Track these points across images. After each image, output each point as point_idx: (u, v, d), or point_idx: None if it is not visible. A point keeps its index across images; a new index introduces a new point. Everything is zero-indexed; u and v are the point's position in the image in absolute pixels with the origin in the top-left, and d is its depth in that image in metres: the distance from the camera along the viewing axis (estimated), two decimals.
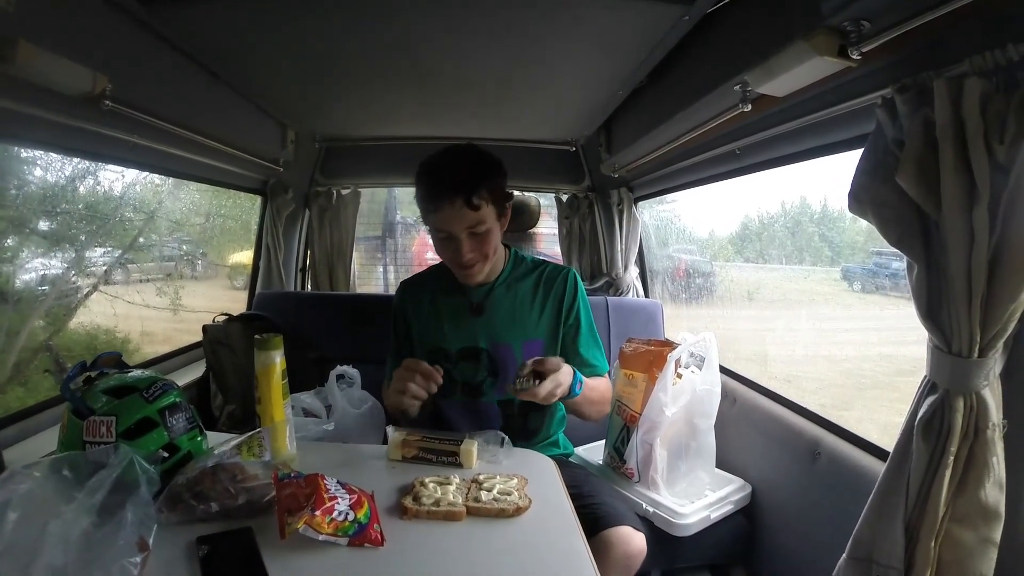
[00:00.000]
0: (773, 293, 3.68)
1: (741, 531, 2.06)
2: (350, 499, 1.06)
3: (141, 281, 4.75)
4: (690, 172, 2.39)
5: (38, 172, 3.48)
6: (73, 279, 4.04)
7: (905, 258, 1.14)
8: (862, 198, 1.17)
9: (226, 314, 2.63)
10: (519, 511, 1.16)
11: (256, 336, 1.34)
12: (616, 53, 1.72)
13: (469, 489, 1.23)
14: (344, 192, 3.31)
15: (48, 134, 1.63)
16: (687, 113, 1.79)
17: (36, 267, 3.72)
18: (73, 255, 3.99)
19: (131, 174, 4.17)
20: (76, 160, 3.63)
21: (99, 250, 4.27)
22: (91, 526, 0.93)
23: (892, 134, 1.11)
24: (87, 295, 4.10)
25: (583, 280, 1.87)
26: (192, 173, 2.56)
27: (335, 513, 1.01)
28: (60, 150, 1.82)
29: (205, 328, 2.51)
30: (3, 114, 1.40)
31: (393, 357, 1.84)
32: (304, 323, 2.70)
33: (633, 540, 1.52)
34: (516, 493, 1.20)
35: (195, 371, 2.55)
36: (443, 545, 1.07)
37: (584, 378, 1.62)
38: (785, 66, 1.25)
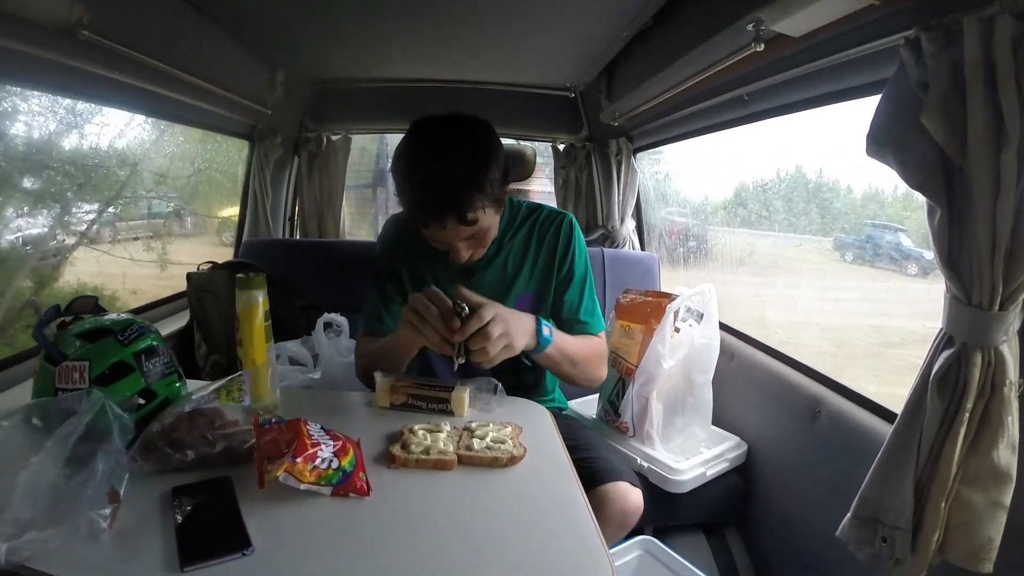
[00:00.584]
0: (764, 259, 3.66)
1: (736, 490, 2.05)
2: (334, 446, 0.99)
3: (131, 240, 4.66)
4: (694, 120, 2.31)
5: (21, 127, 3.38)
6: (59, 236, 3.96)
7: (927, 203, 1.08)
8: (882, 140, 1.12)
9: (211, 262, 2.56)
10: (513, 460, 1.10)
11: (238, 275, 1.27)
12: None
13: (460, 437, 1.16)
14: (334, 138, 3.23)
15: (21, 67, 1.54)
16: (695, 55, 1.70)
17: (20, 226, 3.63)
18: (58, 211, 3.90)
19: (115, 127, 4.07)
20: (60, 113, 3.56)
21: (85, 207, 4.16)
22: (62, 477, 0.89)
23: (916, 75, 1.05)
24: (71, 250, 4.02)
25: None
26: (176, 114, 2.47)
27: (318, 460, 0.94)
28: (34, 85, 1.74)
29: (189, 276, 2.45)
30: None
31: (378, 296, 1.69)
32: (292, 271, 2.64)
33: (630, 496, 1.47)
34: (510, 442, 1.14)
35: (180, 321, 2.49)
36: (433, 495, 1.01)
37: (557, 332, 1.45)
38: (804, 2, 1.18)
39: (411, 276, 1.67)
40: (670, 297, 1.95)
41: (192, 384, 1.26)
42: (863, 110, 1.60)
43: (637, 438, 1.96)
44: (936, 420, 1.07)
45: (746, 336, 2.27)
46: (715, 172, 3.59)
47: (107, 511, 0.85)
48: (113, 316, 1.23)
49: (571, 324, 1.64)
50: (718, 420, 2.10)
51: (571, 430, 1.58)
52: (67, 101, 3.46)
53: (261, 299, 1.25)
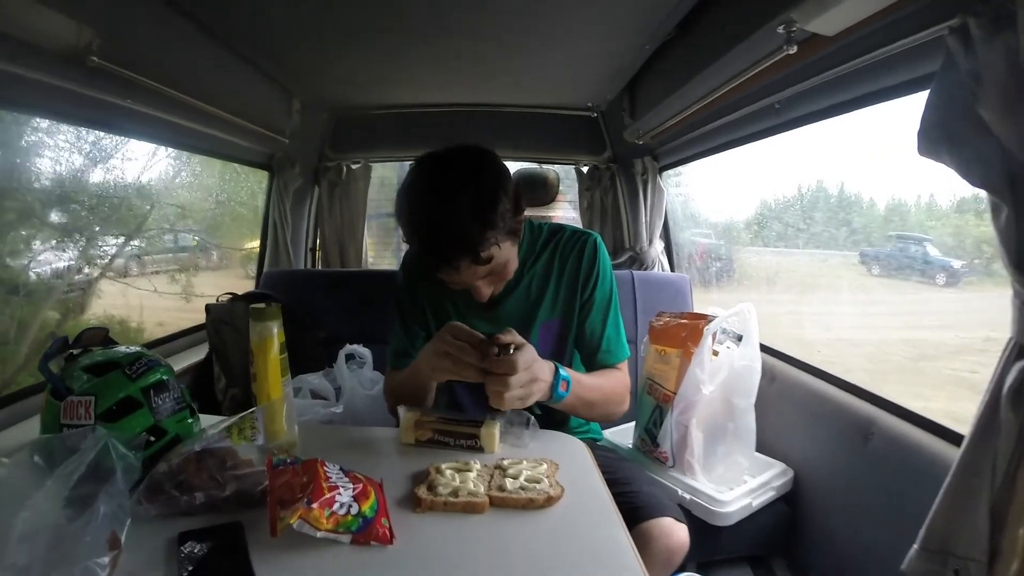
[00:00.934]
0: (790, 277, 3.59)
1: (782, 519, 1.94)
2: (354, 489, 0.90)
3: (156, 273, 4.67)
4: (722, 134, 2.22)
5: (47, 162, 3.42)
6: (84, 270, 3.96)
7: (989, 200, 0.99)
8: (934, 137, 1.04)
9: (230, 293, 2.50)
10: (550, 501, 1.00)
11: (252, 305, 1.20)
12: None
13: (492, 476, 1.07)
14: (354, 167, 3.17)
15: (30, 94, 1.50)
16: (722, 63, 1.62)
17: (48, 259, 3.64)
18: (83, 245, 3.91)
19: (139, 161, 4.11)
20: (85, 148, 3.59)
21: (111, 240, 4.19)
22: (63, 519, 0.82)
23: (966, 66, 0.96)
24: (95, 282, 4.02)
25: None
26: (192, 143, 2.43)
27: (336, 506, 0.85)
28: (44, 112, 1.71)
29: (208, 307, 2.39)
30: None
31: (402, 331, 1.63)
32: (313, 302, 2.57)
33: (675, 532, 1.37)
34: (546, 480, 1.05)
35: (199, 354, 2.43)
36: (463, 541, 0.92)
37: (575, 376, 1.36)
38: None
39: (433, 310, 1.60)
40: (706, 318, 1.85)
41: (207, 420, 1.18)
42: (889, 113, 1.55)
43: (677, 468, 1.85)
44: (1011, 439, 0.97)
45: (787, 356, 2.16)
46: (735, 191, 3.56)
47: (106, 559, 0.78)
48: (123, 349, 1.17)
49: (592, 353, 1.56)
50: (761, 446, 1.99)
51: (608, 463, 1.47)
52: (91, 136, 3.50)
53: (276, 330, 1.18)
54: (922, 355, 2.72)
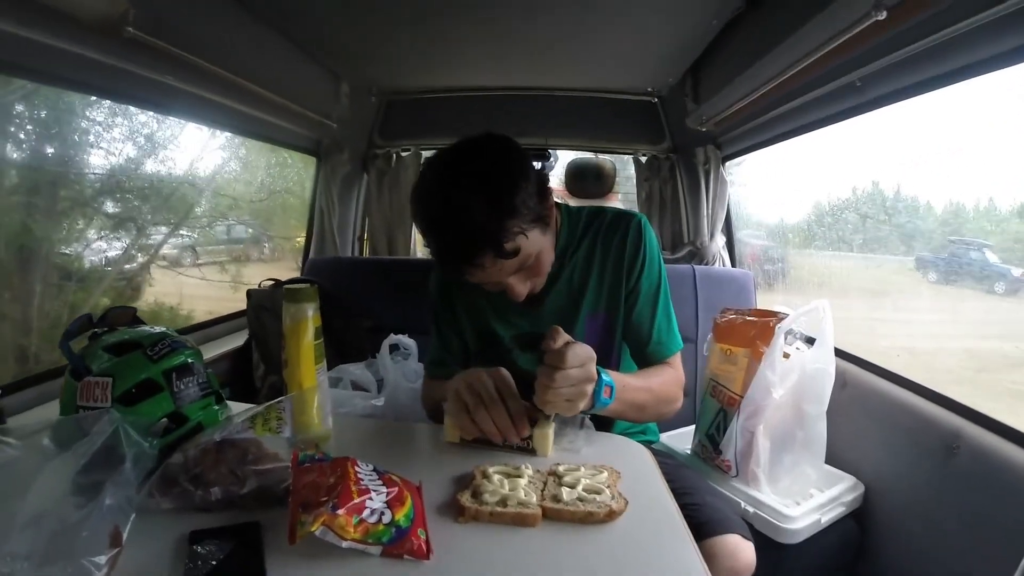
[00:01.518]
0: (845, 282, 3.44)
1: (851, 538, 1.78)
2: (388, 493, 0.79)
3: (210, 264, 4.79)
4: (794, 117, 2.06)
5: (101, 153, 3.48)
6: (138, 257, 4.07)
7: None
8: None
9: (273, 279, 2.43)
10: (612, 515, 0.87)
11: (287, 286, 1.10)
12: None
13: (546, 484, 0.95)
14: (404, 155, 3.09)
15: (61, 66, 1.45)
16: (798, 37, 1.48)
17: (101, 247, 3.72)
18: (135, 233, 3.99)
19: (191, 151, 4.15)
20: (140, 141, 3.67)
21: (164, 230, 4.30)
22: (72, 507, 0.75)
23: None
24: (144, 269, 4.12)
25: (663, 249, 1.50)
26: (234, 124, 2.37)
27: (365, 512, 0.74)
28: (75, 86, 1.66)
29: (250, 293, 2.32)
30: (7, 39, 1.22)
31: (437, 337, 1.54)
32: (359, 290, 2.49)
33: (742, 552, 1.24)
34: (607, 491, 0.92)
35: (239, 340, 2.37)
36: (510, 559, 0.79)
37: (619, 379, 1.21)
38: None
39: (468, 311, 1.49)
40: (777, 316, 1.70)
41: (240, 409, 1.08)
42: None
43: (740, 478, 1.70)
44: None
45: (861, 360, 1.99)
46: (788, 192, 3.45)
47: (103, 558, 0.70)
48: (147, 328, 1.10)
49: (641, 347, 1.43)
50: (829, 457, 1.82)
51: (667, 470, 1.32)
52: (146, 130, 3.54)
53: (311, 313, 1.08)
54: (982, 367, 2.61)
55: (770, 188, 3.46)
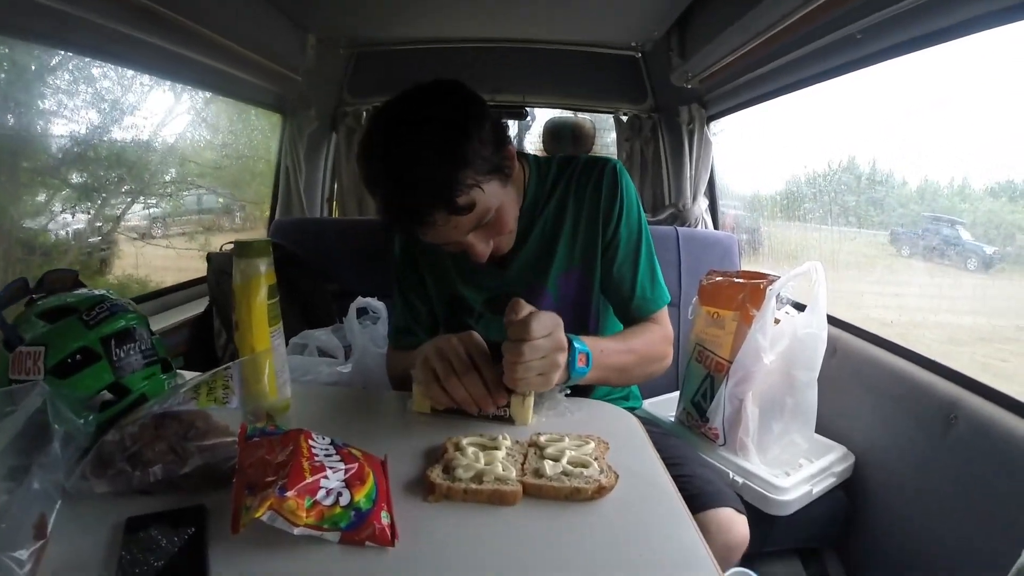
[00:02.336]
0: (819, 254, 3.44)
1: (839, 509, 1.75)
2: (347, 470, 0.69)
3: (179, 235, 4.66)
4: (787, 72, 1.97)
5: (62, 120, 3.32)
6: (101, 228, 3.93)
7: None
8: None
9: (233, 242, 2.32)
10: (601, 491, 0.78)
11: (237, 241, 1.00)
12: None
13: (526, 457, 0.85)
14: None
15: (8, 13, 1.36)
16: None
17: (66, 220, 3.59)
18: (99, 203, 3.86)
19: (156, 118, 4.02)
20: (103, 106, 3.48)
21: (128, 199, 4.16)
22: (1, 491, 0.68)
23: None
24: (108, 240, 3.99)
25: (644, 211, 1.40)
26: (187, 76, 2.24)
27: (320, 494, 0.64)
28: (24, 35, 1.54)
29: (210, 257, 2.21)
30: None
31: (403, 305, 1.45)
32: (326, 253, 2.39)
33: (735, 526, 1.19)
34: (595, 464, 0.83)
35: (200, 307, 2.26)
36: (487, 542, 0.70)
37: (595, 344, 1.13)
38: None
39: (434, 274, 1.40)
40: (768, 278, 1.62)
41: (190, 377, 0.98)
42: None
43: (728, 447, 1.64)
44: None
45: (853, 326, 1.94)
46: (763, 161, 3.44)
47: (26, 553, 0.61)
48: (84, 292, 0.99)
49: (624, 304, 1.34)
50: (818, 426, 1.77)
51: (654, 439, 1.23)
52: (109, 95, 3.37)
53: (264, 269, 0.99)
54: (952, 338, 2.57)
55: (745, 159, 3.43)
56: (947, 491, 1.42)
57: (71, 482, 0.74)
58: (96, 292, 0.98)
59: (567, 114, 2.97)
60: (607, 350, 1.16)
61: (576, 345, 1.05)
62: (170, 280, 3.79)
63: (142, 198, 4.20)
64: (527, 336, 0.95)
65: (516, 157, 1.22)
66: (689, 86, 2.37)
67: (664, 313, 1.38)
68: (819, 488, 1.63)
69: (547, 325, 0.98)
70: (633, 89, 2.80)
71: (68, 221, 3.53)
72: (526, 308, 1.00)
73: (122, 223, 4.02)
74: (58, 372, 0.86)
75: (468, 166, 1.04)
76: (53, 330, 0.89)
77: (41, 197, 3.31)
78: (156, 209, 4.45)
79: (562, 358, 1.00)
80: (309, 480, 0.64)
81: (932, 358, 1.61)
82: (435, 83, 1.12)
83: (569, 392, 1.09)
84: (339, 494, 0.66)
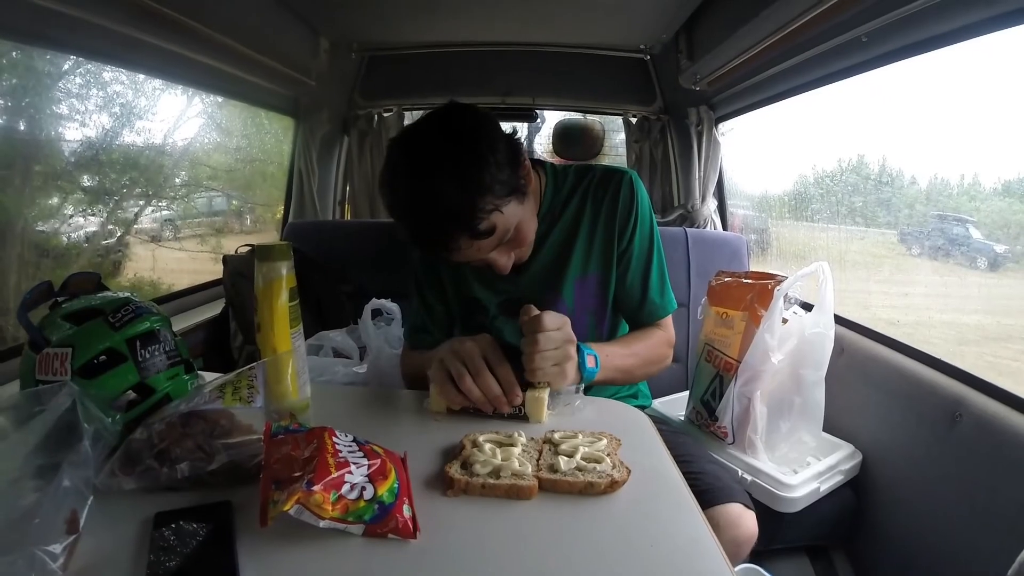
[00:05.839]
0: (827, 254, 3.42)
1: (847, 507, 1.77)
2: (369, 466, 0.72)
3: (190, 238, 4.67)
4: (794, 75, 1.99)
5: (75, 124, 3.35)
6: (114, 232, 3.95)
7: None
8: None
9: (249, 245, 2.34)
10: (614, 486, 0.80)
11: (258, 244, 1.03)
12: None
13: (541, 453, 0.88)
14: (386, 115, 2.99)
15: (22, 17, 1.36)
16: None
17: (77, 223, 3.59)
18: (112, 206, 3.87)
19: (168, 122, 4.04)
20: (115, 110, 3.50)
21: (140, 203, 4.18)
22: (31, 491, 0.69)
23: None
24: (121, 243, 4.01)
25: (655, 214, 1.43)
26: (202, 81, 2.26)
27: (344, 488, 0.67)
28: (39, 41, 1.56)
29: (226, 259, 2.23)
30: None
31: (419, 304, 1.48)
32: (340, 254, 2.41)
33: (743, 521, 1.20)
34: (608, 460, 0.85)
35: (216, 309, 2.29)
36: (504, 534, 0.73)
37: (603, 349, 1.19)
38: None
39: (452, 276, 1.43)
40: (775, 279, 1.63)
41: (213, 378, 1.01)
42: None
43: (737, 445, 1.65)
44: None
45: (860, 326, 1.95)
46: (772, 161, 3.46)
47: (59, 547, 0.63)
48: (109, 294, 1.01)
49: (634, 311, 1.39)
50: (826, 425, 1.78)
51: (665, 436, 1.26)
52: (121, 99, 3.40)
53: (285, 272, 1.00)
54: (962, 338, 2.56)
55: (753, 159, 3.44)
56: (953, 488, 1.43)
57: (101, 479, 0.76)
58: (121, 295, 1.00)
59: (576, 116, 2.98)
60: (612, 354, 1.22)
61: (584, 349, 1.11)
62: (182, 283, 3.82)
63: (154, 201, 4.20)
64: (541, 328, 1.00)
65: (532, 167, 1.26)
66: (697, 88, 2.38)
67: (669, 319, 1.43)
68: (827, 486, 1.65)
69: (557, 320, 1.03)
70: (642, 91, 2.81)
71: (81, 224, 3.54)
72: (536, 309, 1.05)
73: (134, 226, 4.03)
74: (85, 373, 0.88)
75: (487, 192, 1.07)
76: (80, 332, 0.91)
77: (54, 200, 3.32)
78: (168, 212, 4.45)
79: (573, 350, 1.05)
80: (335, 475, 0.67)
81: (938, 357, 1.62)
82: (448, 109, 1.15)
83: (583, 391, 1.12)
84: (363, 488, 0.68)
